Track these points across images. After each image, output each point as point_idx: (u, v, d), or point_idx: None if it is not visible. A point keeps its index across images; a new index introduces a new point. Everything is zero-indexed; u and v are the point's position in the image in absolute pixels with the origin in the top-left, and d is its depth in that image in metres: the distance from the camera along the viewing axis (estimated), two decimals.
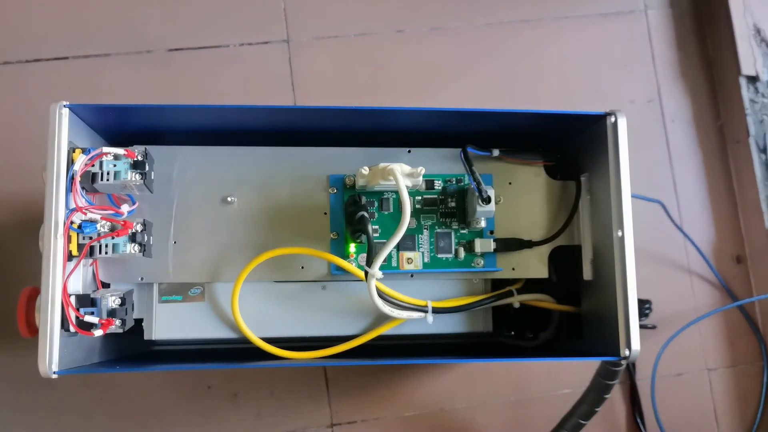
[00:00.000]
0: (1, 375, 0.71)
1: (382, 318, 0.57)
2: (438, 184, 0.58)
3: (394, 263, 0.57)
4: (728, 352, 0.79)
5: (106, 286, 0.55)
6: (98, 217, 0.50)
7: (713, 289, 0.80)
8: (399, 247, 0.57)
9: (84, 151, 0.50)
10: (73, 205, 0.49)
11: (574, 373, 0.75)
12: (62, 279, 0.48)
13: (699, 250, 0.80)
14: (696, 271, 0.80)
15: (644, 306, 0.67)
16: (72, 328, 0.49)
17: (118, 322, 0.50)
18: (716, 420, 0.78)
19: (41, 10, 0.78)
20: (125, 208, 0.53)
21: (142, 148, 0.52)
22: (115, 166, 0.51)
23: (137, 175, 0.51)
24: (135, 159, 0.51)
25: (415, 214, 0.58)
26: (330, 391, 0.74)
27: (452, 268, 0.58)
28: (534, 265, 0.59)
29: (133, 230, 0.51)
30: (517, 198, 0.59)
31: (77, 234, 0.49)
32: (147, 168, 0.51)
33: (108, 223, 0.51)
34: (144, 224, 0.52)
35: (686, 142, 0.83)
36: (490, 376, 0.76)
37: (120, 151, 0.51)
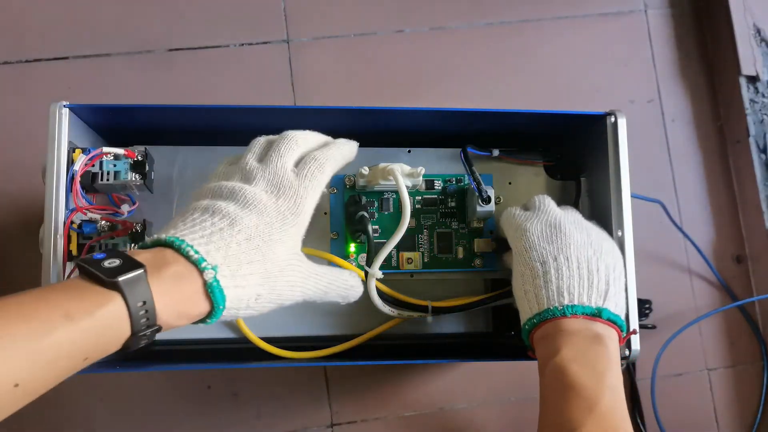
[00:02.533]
0: None
1: (382, 318, 0.57)
2: (438, 184, 0.58)
3: (394, 263, 0.57)
4: (728, 352, 0.79)
5: None
6: (98, 217, 0.50)
7: (713, 289, 0.80)
8: (399, 247, 0.57)
9: (84, 151, 0.50)
10: (73, 205, 0.50)
11: None
12: (62, 279, 0.48)
13: (699, 250, 0.80)
14: (696, 271, 0.80)
15: (644, 306, 0.67)
16: None
17: None
18: (716, 420, 0.78)
19: (41, 10, 0.78)
20: (125, 208, 0.53)
21: (142, 148, 0.52)
22: (115, 166, 0.51)
23: (137, 175, 0.51)
24: (135, 159, 0.51)
25: (415, 214, 0.58)
26: (330, 391, 0.74)
27: (452, 268, 0.58)
28: None
29: (133, 230, 0.51)
30: (517, 198, 0.59)
31: (77, 234, 0.49)
32: (147, 168, 0.51)
33: (108, 223, 0.51)
34: (144, 224, 0.52)
35: (686, 142, 0.83)
36: (490, 376, 0.76)
37: (120, 151, 0.51)
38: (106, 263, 0.35)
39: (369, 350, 0.59)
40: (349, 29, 0.81)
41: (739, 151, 0.81)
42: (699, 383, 0.79)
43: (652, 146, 0.82)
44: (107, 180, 0.51)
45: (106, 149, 0.51)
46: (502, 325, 0.63)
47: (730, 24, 0.80)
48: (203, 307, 0.38)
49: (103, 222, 0.50)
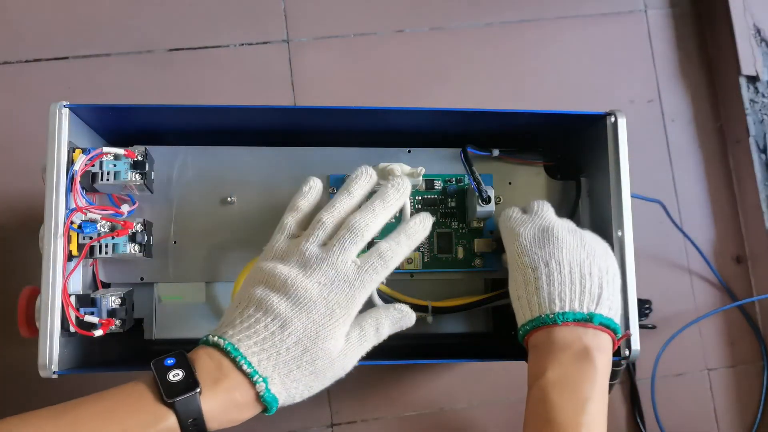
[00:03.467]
0: (1, 375, 0.71)
1: None
2: (438, 184, 0.58)
3: None
4: (728, 352, 0.79)
5: (106, 286, 0.55)
6: (98, 217, 0.50)
7: (713, 289, 0.80)
8: None
9: (84, 151, 0.50)
10: (73, 205, 0.49)
11: None
12: (62, 279, 0.48)
13: (699, 250, 0.80)
14: (696, 271, 0.80)
15: (644, 306, 0.67)
16: (72, 328, 0.49)
17: (118, 322, 0.50)
18: (716, 420, 0.78)
19: (41, 10, 0.78)
20: (125, 208, 0.53)
21: (142, 148, 0.52)
22: (115, 166, 0.51)
23: (137, 175, 0.51)
24: (135, 159, 0.51)
25: None
26: (330, 391, 0.74)
27: (452, 268, 0.58)
28: None
29: (133, 230, 0.51)
30: (517, 198, 0.59)
31: (77, 234, 0.49)
32: (147, 168, 0.51)
33: (108, 223, 0.51)
34: (144, 224, 0.52)
35: (686, 142, 0.83)
36: (490, 376, 0.76)
37: (120, 151, 0.51)
38: (171, 375, 0.40)
39: (369, 350, 0.59)
40: (349, 29, 0.81)
41: (739, 151, 0.81)
42: (699, 383, 0.79)
43: (652, 146, 0.82)
44: (107, 180, 0.51)
45: (106, 149, 0.51)
46: (502, 325, 0.63)
47: (730, 24, 0.80)
48: (257, 409, 0.42)
49: (103, 222, 0.50)
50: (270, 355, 0.42)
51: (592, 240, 0.50)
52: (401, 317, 0.48)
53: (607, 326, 0.46)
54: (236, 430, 0.73)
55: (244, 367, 0.41)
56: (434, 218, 0.50)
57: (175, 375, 0.40)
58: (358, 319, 0.46)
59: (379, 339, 0.47)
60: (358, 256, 0.45)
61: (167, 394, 0.39)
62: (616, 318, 0.47)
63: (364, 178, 0.48)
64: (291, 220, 0.47)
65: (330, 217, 0.46)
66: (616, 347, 0.47)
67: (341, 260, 0.44)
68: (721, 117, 0.83)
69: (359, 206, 0.47)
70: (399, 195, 0.47)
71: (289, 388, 0.42)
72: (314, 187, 0.48)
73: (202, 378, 0.40)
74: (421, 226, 0.48)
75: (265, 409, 0.42)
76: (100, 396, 0.40)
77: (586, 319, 0.45)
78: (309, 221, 0.47)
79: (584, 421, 0.42)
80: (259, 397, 0.41)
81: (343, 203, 0.47)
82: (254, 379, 0.41)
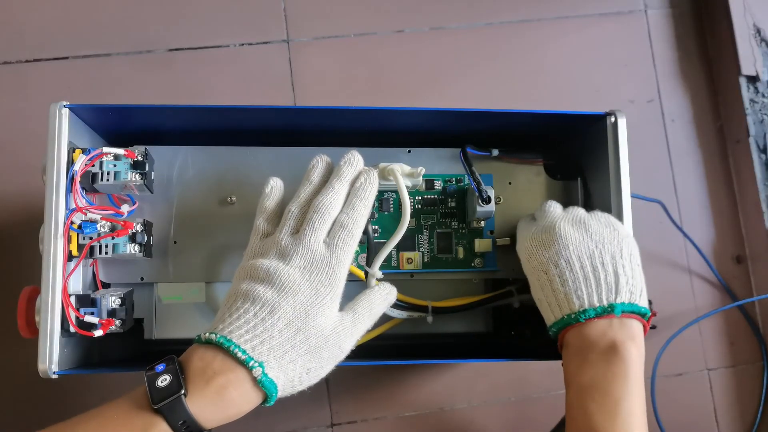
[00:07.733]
0: (1, 375, 0.71)
1: (382, 318, 0.57)
2: (438, 184, 0.58)
3: (394, 263, 0.57)
4: (728, 352, 0.79)
5: (106, 286, 0.55)
6: (98, 217, 0.50)
7: (713, 289, 0.80)
8: (399, 247, 0.57)
9: (84, 151, 0.50)
10: (73, 206, 0.49)
11: None
12: (62, 279, 0.48)
13: (699, 250, 0.80)
14: (696, 271, 0.80)
15: None
16: (72, 329, 0.49)
17: (118, 322, 0.50)
18: (716, 420, 0.78)
19: (41, 10, 0.78)
20: (125, 208, 0.53)
21: (142, 148, 0.52)
22: (115, 166, 0.51)
23: (137, 175, 0.51)
24: (135, 159, 0.51)
25: (415, 214, 0.58)
26: (330, 391, 0.74)
27: (452, 268, 0.58)
28: None
29: (133, 230, 0.51)
30: (517, 198, 0.59)
31: (77, 234, 0.49)
32: (147, 168, 0.51)
33: (108, 223, 0.51)
34: (144, 224, 0.52)
35: (686, 142, 0.83)
36: (490, 376, 0.76)
37: (120, 151, 0.51)
38: (159, 381, 0.40)
39: (369, 350, 0.59)
40: (349, 29, 0.81)
41: (739, 151, 0.81)
42: (699, 383, 0.79)
43: (652, 146, 0.82)
44: (107, 180, 0.51)
45: (106, 149, 0.50)
46: (502, 325, 0.63)
47: (730, 24, 0.80)
48: (256, 400, 0.42)
49: (103, 222, 0.50)
50: (263, 340, 0.42)
51: (598, 226, 0.49)
52: (387, 292, 0.50)
53: (631, 312, 0.46)
54: (232, 429, 0.73)
55: (239, 354, 0.41)
56: (376, 173, 0.50)
57: (163, 380, 0.40)
58: (351, 303, 0.47)
59: (373, 318, 0.48)
60: (357, 254, 0.46)
61: (154, 400, 0.40)
62: (641, 300, 0.47)
63: (321, 165, 0.50)
64: (261, 221, 0.49)
65: (297, 206, 0.48)
66: (648, 328, 0.47)
67: (314, 240, 0.46)
68: (721, 117, 0.83)
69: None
70: (352, 168, 0.49)
71: (287, 369, 0.42)
72: (276, 187, 0.50)
73: (193, 379, 0.41)
74: (368, 182, 0.49)
75: (265, 399, 0.42)
76: (95, 412, 0.41)
77: (608, 312, 0.45)
78: (278, 219, 0.49)
79: (619, 422, 0.42)
80: (257, 384, 0.41)
81: (306, 191, 0.49)
82: (250, 365, 0.41)
